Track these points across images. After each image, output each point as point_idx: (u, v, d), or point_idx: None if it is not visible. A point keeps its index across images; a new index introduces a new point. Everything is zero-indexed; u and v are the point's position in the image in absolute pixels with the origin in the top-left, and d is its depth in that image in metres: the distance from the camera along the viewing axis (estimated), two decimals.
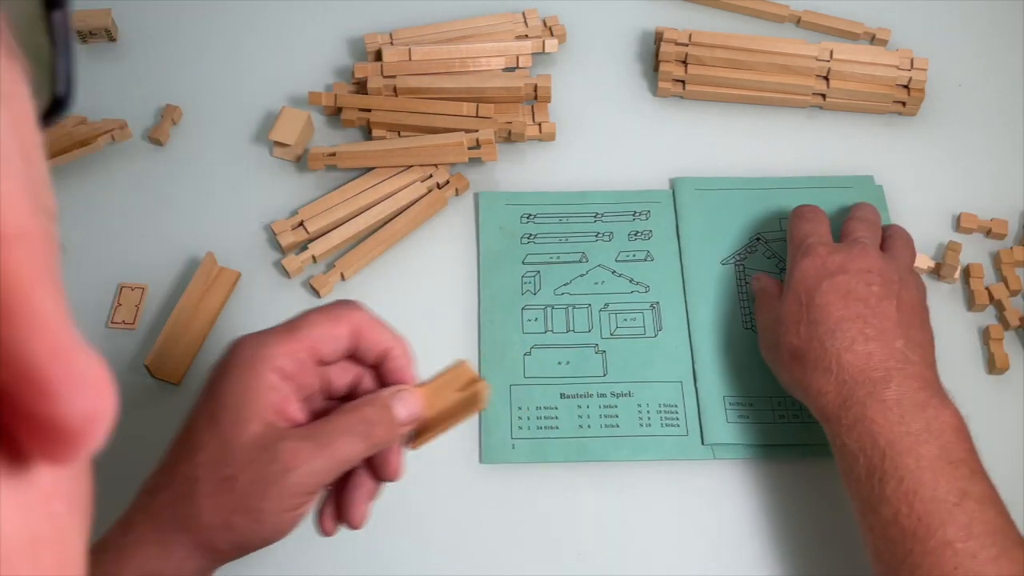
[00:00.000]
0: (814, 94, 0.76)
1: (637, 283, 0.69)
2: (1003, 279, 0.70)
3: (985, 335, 0.68)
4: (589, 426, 0.63)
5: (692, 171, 0.74)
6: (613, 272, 0.69)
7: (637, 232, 0.70)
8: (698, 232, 0.70)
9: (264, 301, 0.68)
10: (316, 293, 0.68)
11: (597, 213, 0.72)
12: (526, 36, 0.79)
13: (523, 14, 0.79)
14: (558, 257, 0.70)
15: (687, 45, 0.77)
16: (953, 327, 0.68)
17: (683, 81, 0.77)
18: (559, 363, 0.66)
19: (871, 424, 0.53)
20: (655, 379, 0.65)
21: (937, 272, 0.70)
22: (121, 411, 0.60)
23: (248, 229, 0.71)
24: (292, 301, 0.68)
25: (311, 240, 0.70)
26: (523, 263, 0.69)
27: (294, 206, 0.72)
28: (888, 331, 0.56)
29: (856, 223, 0.64)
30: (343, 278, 0.69)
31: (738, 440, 0.62)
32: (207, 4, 0.82)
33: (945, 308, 0.69)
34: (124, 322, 0.67)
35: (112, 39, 0.79)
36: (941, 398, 0.55)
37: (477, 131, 0.72)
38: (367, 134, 0.75)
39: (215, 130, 0.76)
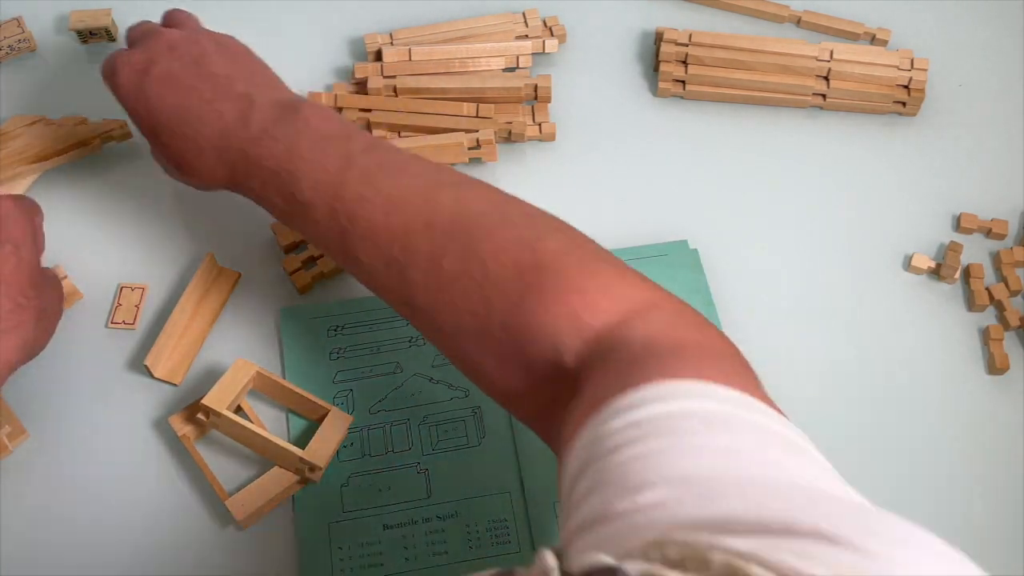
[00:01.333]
0: (814, 94, 0.76)
1: (455, 388, 0.64)
2: (1003, 279, 0.70)
3: (985, 335, 0.68)
4: (416, 557, 0.59)
5: None
6: (430, 379, 0.64)
7: None
8: None
9: (264, 301, 0.68)
10: (297, 290, 0.68)
11: None
12: (526, 36, 0.79)
13: (523, 14, 0.79)
14: (371, 371, 0.65)
15: (687, 45, 0.77)
16: (953, 327, 0.69)
17: (683, 81, 0.77)
18: (379, 490, 0.60)
19: (273, 162, 0.55)
20: (482, 493, 0.61)
21: (937, 272, 0.70)
22: (121, 411, 0.60)
23: (248, 229, 0.71)
24: (292, 301, 0.69)
25: None
26: (334, 383, 0.64)
27: None
28: (223, 85, 0.58)
29: (130, 31, 0.65)
30: (324, 276, 0.69)
31: None
32: (207, 4, 0.82)
33: (945, 308, 0.69)
34: (124, 322, 0.67)
35: (112, 39, 0.79)
36: (298, 102, 0.58)
37: (477, 131, 0.72)
38: None
39: None
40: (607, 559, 0.28)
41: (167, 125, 0.58)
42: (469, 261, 0.47)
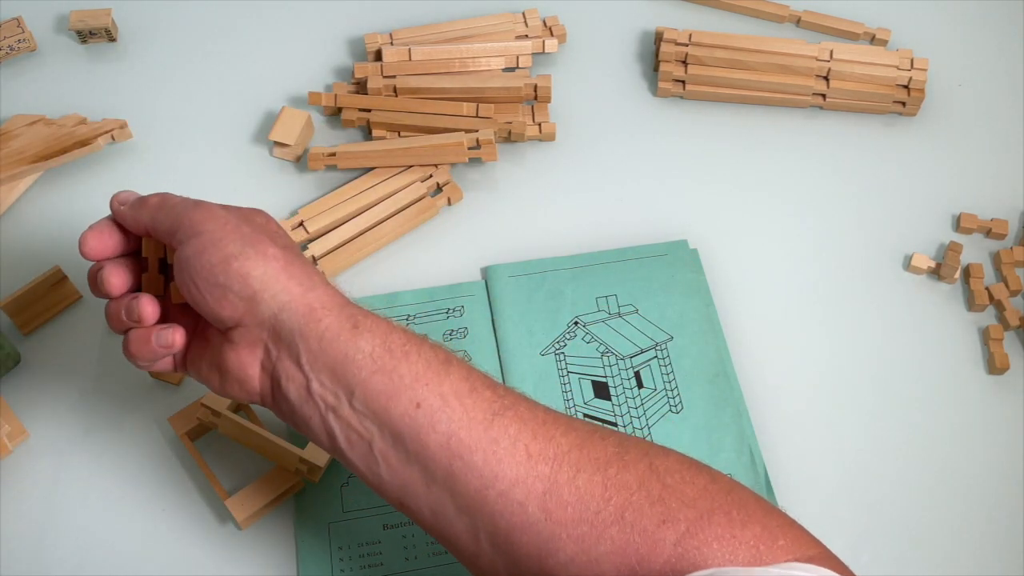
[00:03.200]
0: (814, 94, 0.76)
1: None
2: (1003, 279, 0.70)
3: (985, 335, 0.68)
4: (416, 557, 0.59)
5: (507, 255, 0.70)
6: None
7: (452, 331, 0.66)
8: (514, 323, 0.67)
9: None
10: None
11: (409, 315, 0.67)
12: (526, 36, 0.79)
13: (523, 14, 0.80)
14: None
15: (687, 45, 0.77)
16: (953, 327, 0.68)
17: (683, 81, 0.77)
18: None
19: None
20: None
21: (937, 272, 0.70)
22: (121, 411, 0.60)
23: None
24: None
25: (311, 240, 0.70)
26: None
27: (294, 206, 0.72)
28: None
29: None
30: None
31: None
32: (207, 4, 0.82)
33: (945, 308, 0.69)
34: None
35: (112, 39, 0.79)
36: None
37: (477, 131, 0.72)
38: (367, 134, 0.75)
39: (216, 130, 0.76)
40: None
41: None
42: (648, 477, 0.46)
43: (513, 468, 0.45)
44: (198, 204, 0.50)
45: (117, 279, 0.52)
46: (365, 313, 0.48)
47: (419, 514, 0.47)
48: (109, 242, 0.53)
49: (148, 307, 0.51)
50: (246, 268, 0.47)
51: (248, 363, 0.49)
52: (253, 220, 0.50)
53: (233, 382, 0.50)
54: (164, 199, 0.52)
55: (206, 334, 0.51)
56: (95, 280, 0.53)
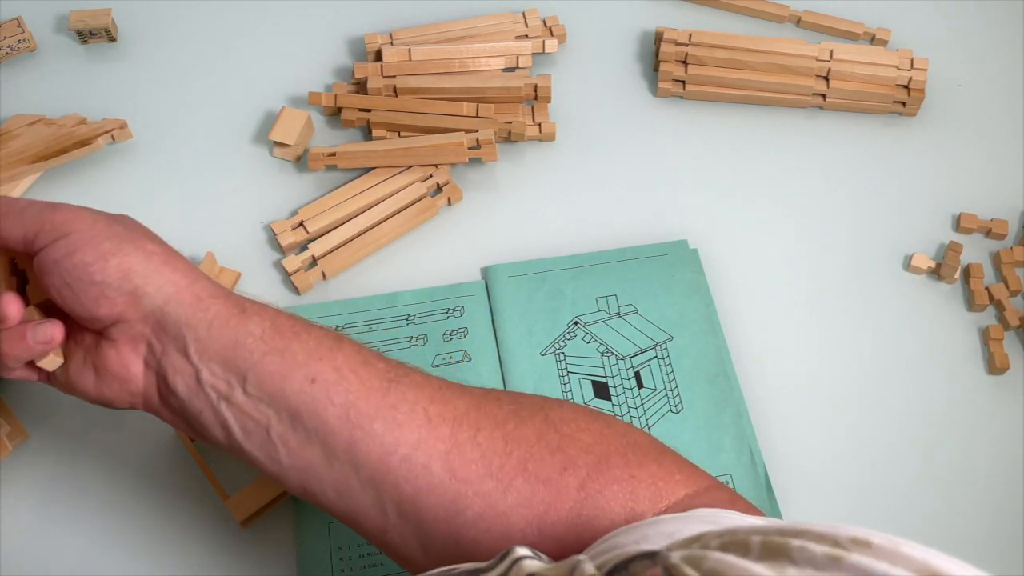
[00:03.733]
0: (814, 94, 0.76)
1: None
2: (1003, 279, 0.70)
3: (985, 335, 0.68)
4: None
5: (507, 255, 0.70)
6: None
7: (452, 331, 0.67)
8: (514, 323, 0.67)
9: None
10: (296, 290, 0.68)
11: (409, 315, 0.67)
12: (526, 36, 0.79)
13: (523, 14, 0.79)
14: None
15: (687, 45, 0.77)
16: (953, 327, 0.69)
17: (683, 81, 0.77)
18: None
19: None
20: None
21: (937, 272, 0.70)
22: (121, 411, 0.60)
23: (248, 229, 0.71)
24: (292, 301, 0.69)
25: (311, 240, 0.70)
26: None
27: (294, 206, 0.72)
28: None
29: None
30: (324, 278, 0.69)
31: None
32: (207, 4, 0.82)
33: (945, 308, 0.69)
34: None
35: (112, 39, 0.79)
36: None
37: (477, 131, 0.72)
38: (367, 134, 0.75)
39: (215, 130, 0.76)
40: (648, 547, 0.30)
41: None
42: (545, 428, 0.47)
43: (414, 431, 0.45)
44: (57, 206, 0.49)
45: (15, 305, 0.48)
46: (250, 300, 0.48)
47: (324, 496, 0.47)
48: None
49: (12, 306, 0.48)
50: (127, 263, 0.47)
51: (130, 360, 0.48)
52: (123, 221, 0.49)
53: (113, 382, 0.48)
54: (7, 205, 0.49)
55: (73, 336, 0.50)
56: None
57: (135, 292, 0.47)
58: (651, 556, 0.30)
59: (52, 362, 0.50)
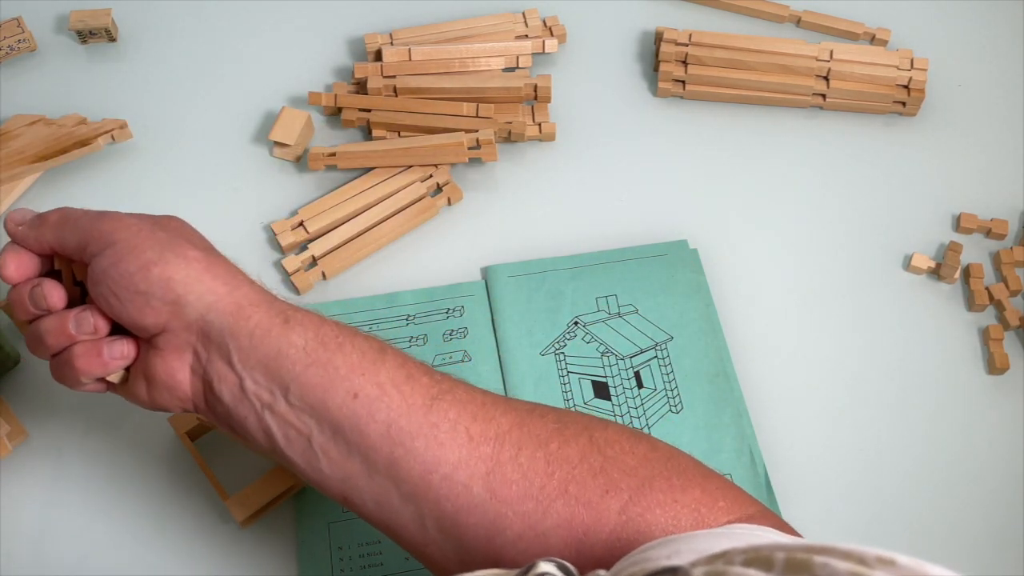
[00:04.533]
0: (814, 94, 0.76)
1: None
2: (1003, 279, 0.70)
3: (985, 335, 0.68)
4: None
5: (507, 255, 0.70)
6: None
7: (452, 331, 0.66)
8: (514, 323, 0.67)
9: None
10: (296, 290, 0.68)
11: (409, 315, 0.67)
12: (526, 36, 0.79)
13: (523, 14, 0.80)
14: None
15: (687, 45, 0.77)
16: (953, 327, 0.68)
17: (683, 81, 0.77)
18: None
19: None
20: None
21: (937, 272, 0.70)
22: (121, 411, 0.60)
23: (248, 229, 0.71)
24: (292, 301, 0.68)
25: (311, 240, 0.70)
26: None
27: (294, 206, 0.72)
28: None
29: None
30: (324, 278, 0.69)
31: None
32: (207, 4, 0.82)
33: (945, 308, 0.69)
34: None
35: (112, 39, 0.79)
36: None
37: (477, 131, 0.72)
38: (367, 134, 0.75)
39: (215, 130, 0.76)
40: (674, 560, 0.29)
41: None
42: (588, 450, 0.46)
43: (455, 451, 0.45)
44: (104, 215, 0.49)
45: (57, 293, 0.50)
46: (294, 308, 0.48)
47: (363, 507, 0.47)
48: (30, 262, 0.51)
49: (54, 292, 0.49)
50: (167, 272, 0.47)
51: (177, 368, 0.48)
52: (167, 226, 0.49)
53: (162, 390, 0.49)
54: (64, 215, 0.50)
55: None
56: (26, 300, 0.50)
57: (177, 301, 0.47)
58: (673, 571, 0.29)
59: (117, 375, 0.50)
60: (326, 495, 0.48)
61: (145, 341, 0.49)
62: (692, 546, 0.38)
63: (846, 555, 0.28)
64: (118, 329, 0.49)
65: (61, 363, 0.50)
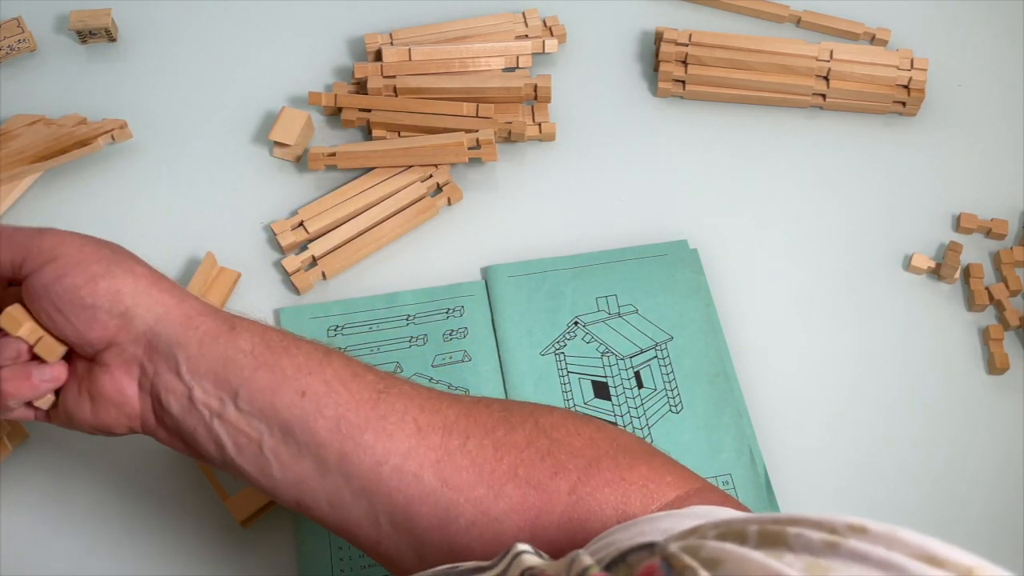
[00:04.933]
0: (814, 94, 0.76)
1: (456, 388, 0.64)
2: (1003, 279, 0.70)
3: (985, 335, 0.68)
4: None
5: (507, 255, 0.70)
6: (430, 380, 0.64)
7: (452, 331, 0.67)
8: (514, 324, 0.67)
9: (264, 301, 0.68)
10: (296, 290, 0.68)
11: (409, 315, 0.67)
12: (526, 36, 0.79)
13: (523, 14, 0.79)
14: None
15: (687, 45, 0.77)
16: (953, 327, 0.69)
17: (683, 81, 0.77)
18: None
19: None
20: None
21: (937, 272, 0.70)
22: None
23: (248, 229, 0.71)
24: (291, 301, 0.69)
25: (311, 240, 0.70)
26: None
27: (294, 206, 0.72)
28: None
29: None
30: (324, 278, 0.69)
31: None
32: (207, 4, 0.82)
33: (945, 308, 0.69)
34: None
35: (112, 39, 0.79)
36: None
37: (477, 131, 0.72)
38: (367, 134, 0.75)
39: (215, 130, 0.76)
40: (646, 538, 0.30)
41: None
42: (535, 434, 0.47)
43: (404, 441, 0.45)
44: (42, 231, 0.48)
45: None
46: (239, 316, 0.48)
47: (317, 510, 0.47)
48: None
49: None
50: (116, 285, 0.46)
51: (125, 384, 0.48)
52: (110, 245, 0.49)
53: (109, 407, 0.48)
54: None
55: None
56: None
57: (126, 314, 0.47)
58: (649, 547, 0.30)
59: (46, 400, 0.50)
60: (279, 502, 0.48)
61: (88, 359, 0.48)
62: (657, 527, 0.39)
63: (817, 524, 0.29)
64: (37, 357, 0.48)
65: None
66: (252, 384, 0.46)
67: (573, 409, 0.64)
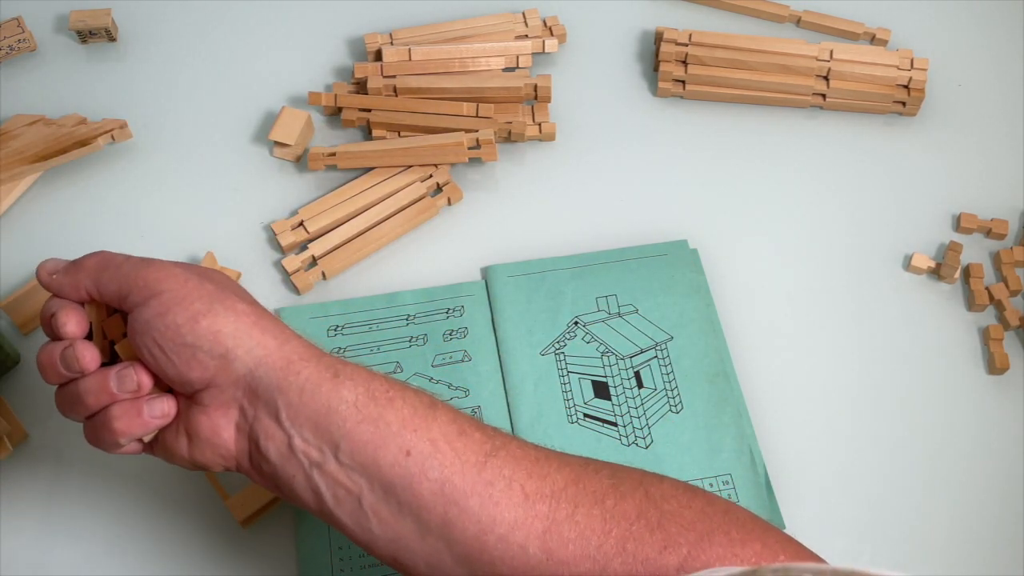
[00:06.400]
0: (814, 94, 0.76)
1: (456, 388, 0.64)
2: (1003, 279, 0.70)
3: (985, 335, 0.68)
4: None
5: (507, 255, 0.70)
6: (430, 379, 0.64)
7: (452, 331, 0.66)
8: (514, 323, 0.67)
9: (264, 301, 0.68)
10: (296, 290, 0.68)
11: (409, 315, 0.67)
12: (526, 36, 0.79)
13: (523, 14, 0.79)
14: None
15: (687, 45, 0.77)
16: (953, 327, 0.68)
17: (683, 81, 0.77)
18: None
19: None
20: None
21: (937, 272, 0.70)
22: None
23: (248, 229, 0.71)
24: (292, 300, 0.69)
25: (311, 240, 0.70)
26: None
27: (294, 206, 0.72)
28: None
29: None
30: (324, 278, 0.69)
31: None
32: (207, 4, 0.82)
33: (945, 308, 0.69)
34: None
35: (112, 39, 0.79)
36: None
37: (477, 131, 0.72)
38: (367, 134, 0.75)
39: (215, 130, 0.76)
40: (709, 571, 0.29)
41: None
42: (645, 505, 0.45)
43: (511, 510, 0.44)
44: (149, 262, 0.47)
45: (90, 354, 0.47)
46: (343, 362, 0.47)
47: (414, 569, 0.45)
48: (83, 315, 0.49)
49: (86, 353, 0.47)
50: (216, 325, 0.45)
51: (222, 426, 0.47)
52: (213, 278, 0.48)
53: (205, 448, 0.47)
54: (104, 260, 0.48)
55: None
56: (57, 363, 0.48)
57: (226, 355, 0.45)
58: None
59: (149, 435, 0.49)
60: (375, 556, 0.47)
61: (187, 397, 0.48)
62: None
63: None
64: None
65: (98, 425, 0.48)
66: (354, 438, 0.45)
67: (574, 411, 0.64)
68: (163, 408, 0.48)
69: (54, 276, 0.49)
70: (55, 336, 0.49)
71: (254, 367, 0.45)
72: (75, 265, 0.49)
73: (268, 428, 0.46)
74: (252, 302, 0.48)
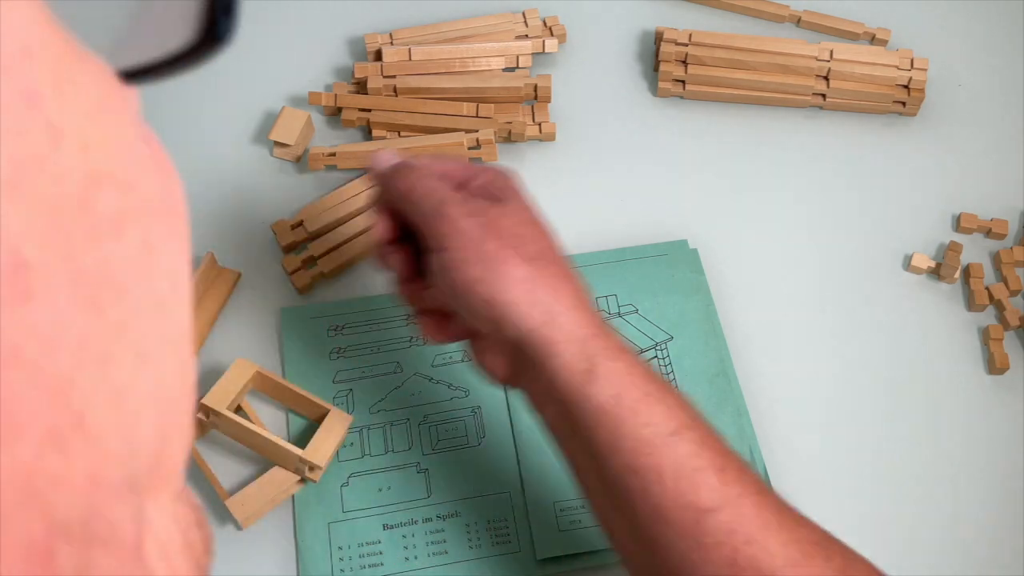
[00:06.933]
0: (814, 94, 0.76)
1: (456, 388, 0.64)
2: (1003, 279, 0.70)
3: (985, 335, 0.68)
4: (416, 557, 0.58)
5: None
6: (430, 379, 0.64)
7: None
8: None
9: (264, 301, 0.68)
10: (296, 290, 0.68)
11: (409, 315, 0.67)
12: (526, 36, 0.79)
13: (523, 14, 0.79)
14: (371, 370, 0.65)
15: (687, 45, 0.77)
16: (953, 327, 0.68)
17: (683, 81, 0.77)
18: (379, 490, 0.60)
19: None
20: (482, 493, 0.60)
21: (937, 272, 0.70)
22: None
23: (248, 229, 0.71)
24: (291, 301, 0.69)
25: (311, 240, 0.70)
26: (334, 383, 0.64)
27: (294, 206, 0.72)
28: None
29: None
30: (324, 277, 0.69)
31: (570, 550, 0.58)
32: None
33: (945, 308, 0.69)
34: None
35: None
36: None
37: (477, 131, 0.72)
38: (367, 134, 0.75)
39: (215, 130, 0.76)
40: None
41: None
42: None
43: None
44: (441, 214, 0.49)
45: (400, 267, 0.53)
46: (608, 352, 0.47)
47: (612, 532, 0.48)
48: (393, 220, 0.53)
49: (398, 266, 0.53)
50: (490, 294, 0.47)
51: (496, 365, 0.50)
52: (500, 230, 0.49)
53: (484, 369, 0.52)
54: (409, 188, 0.51)
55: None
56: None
57: (497, 322, 0.48)
58: None
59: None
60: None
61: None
62: None
63: None
64: None
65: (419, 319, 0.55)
66: (592, 438, 0.46)
67: None
68: (458, 338, 0.53)
69: (378, 175, 0.53)
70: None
71: (519, 339, 0.47)
72: (388, 177, 0.52)
73: (528, 386, 0.49)
74: (533, 258, 0.48)
